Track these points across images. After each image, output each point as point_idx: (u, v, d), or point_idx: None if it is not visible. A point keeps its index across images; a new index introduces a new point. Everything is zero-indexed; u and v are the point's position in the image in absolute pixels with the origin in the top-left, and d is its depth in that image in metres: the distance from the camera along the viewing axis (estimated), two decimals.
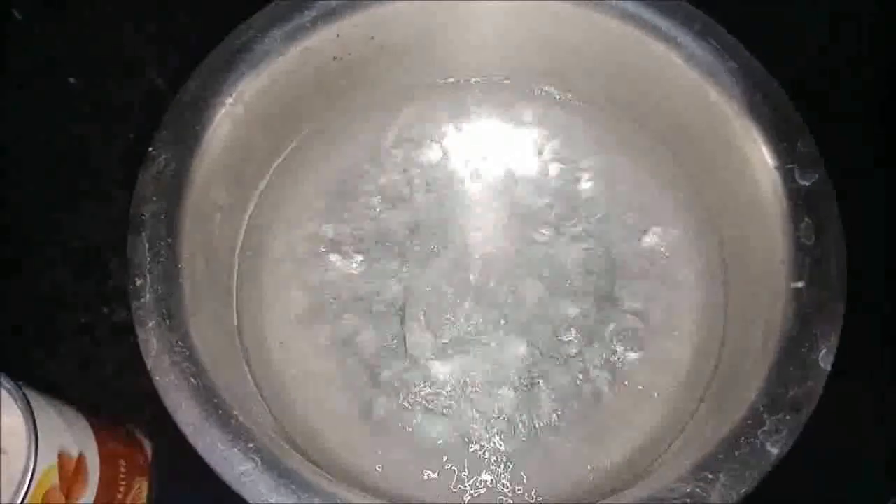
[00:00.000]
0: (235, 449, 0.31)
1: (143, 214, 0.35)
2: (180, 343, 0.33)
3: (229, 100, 0.39)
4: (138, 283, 0.34)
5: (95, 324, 0.55)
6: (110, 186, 0.56)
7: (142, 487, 0.44)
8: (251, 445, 0.31)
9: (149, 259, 0.35)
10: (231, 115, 0.39)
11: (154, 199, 0.36)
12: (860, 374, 0.41)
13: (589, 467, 0.38)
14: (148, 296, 0.34)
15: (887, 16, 0.47)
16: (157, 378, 0.32)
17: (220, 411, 0.32)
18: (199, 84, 0.39)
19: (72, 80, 0.56)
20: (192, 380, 0.32)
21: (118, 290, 0.56)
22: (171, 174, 0.37)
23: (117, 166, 0.55)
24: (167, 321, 0.33)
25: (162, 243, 0.35)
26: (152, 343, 0.33)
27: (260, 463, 0.31)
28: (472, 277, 0.42)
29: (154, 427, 0.46)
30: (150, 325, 0.33)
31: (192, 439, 0.31)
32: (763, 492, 0.32)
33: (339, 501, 0.30)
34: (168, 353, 0.33)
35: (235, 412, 0.32)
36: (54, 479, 0.37)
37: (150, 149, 0.37)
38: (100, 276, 0.56)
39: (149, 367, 0.33)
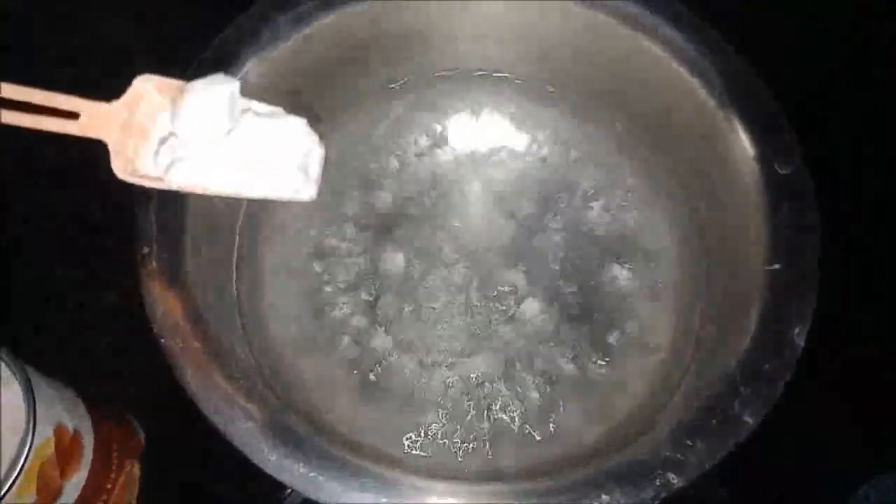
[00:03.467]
0: (237, 408, 0.32)
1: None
2: (184, 308, 0.34)
3: None
4: (145, 251, 0.35)
5: (90, 308, 0.55)
6: (103, 174, 0.56)
7: (133, 471, 0.44)
8: (253, 406, 0.32)
9: (155, 229, 0.36)
10: None
11: None
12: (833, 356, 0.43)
13: (573, 443, 0.39)
14: (154, 263, 0.35)
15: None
16: (163, 340, 0.33)
17: (224, 371, 0.33)
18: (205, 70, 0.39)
19: None
20: (195, 343, 0.33)
21: (116, 274, 0.56)
22: None
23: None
24: (172, 286, 0.35)
25: (168, 215, 0.36)
26: (158, 307, 0.34)
27: (261, 422, 0.32)
28: (459, 259, 0.44)
29: (147, 413, 0.47)
30: (156, 291, 0.34)
31: (195, 397, 0.32)
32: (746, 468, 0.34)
33: (338, 458, 0.32)
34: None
35: (237, 374, 0.33)
36: (50, 451, 0.38)
37: None
38: (96, 260, 0.56)
39: (155, 330, 0.34)
